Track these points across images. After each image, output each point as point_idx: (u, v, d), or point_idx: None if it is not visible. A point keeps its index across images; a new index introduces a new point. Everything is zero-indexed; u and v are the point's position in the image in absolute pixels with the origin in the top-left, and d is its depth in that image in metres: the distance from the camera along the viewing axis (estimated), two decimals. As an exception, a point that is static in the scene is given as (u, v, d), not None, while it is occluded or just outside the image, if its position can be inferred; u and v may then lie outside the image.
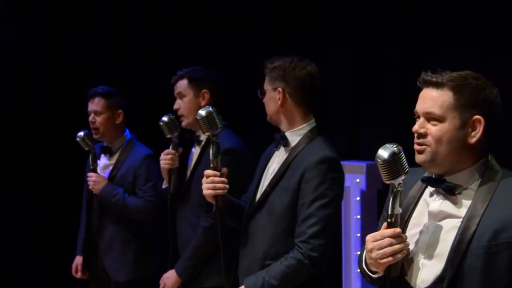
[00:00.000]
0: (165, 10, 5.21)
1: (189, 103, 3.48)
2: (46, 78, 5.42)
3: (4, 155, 5.32)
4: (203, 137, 3.49)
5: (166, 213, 3.53)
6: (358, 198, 4.02)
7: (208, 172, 2.76)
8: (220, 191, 2.73)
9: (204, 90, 3.49)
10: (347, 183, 4.07)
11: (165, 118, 3.43)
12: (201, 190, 3.36)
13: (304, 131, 2.82)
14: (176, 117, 3.49)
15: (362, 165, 3.95)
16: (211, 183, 2.73)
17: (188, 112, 3.48)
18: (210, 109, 2.75)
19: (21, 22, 5.37)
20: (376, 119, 4.07)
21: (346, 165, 4.07)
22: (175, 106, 3.51)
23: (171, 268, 3.52)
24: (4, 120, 5.35)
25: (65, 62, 5.36)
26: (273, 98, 2.83)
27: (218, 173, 2.74)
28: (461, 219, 1.96)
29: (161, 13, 5.24)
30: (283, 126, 2.85)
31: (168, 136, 3.46)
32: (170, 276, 3.48)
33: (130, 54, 5.25)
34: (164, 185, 3.55)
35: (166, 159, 3.45)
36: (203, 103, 3.46)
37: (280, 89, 2.81)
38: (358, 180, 3.99)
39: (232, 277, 2.93)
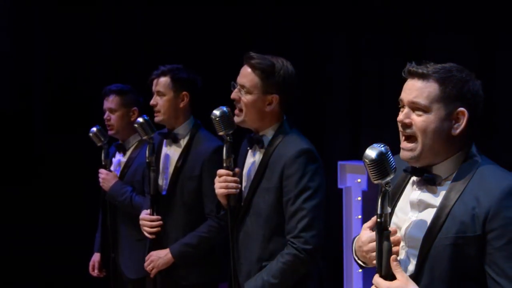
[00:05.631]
0: (164, 11, 5.21)
1: (168, 102, 3.47)
2: (47, 78, 5.43)
3: (4, 154, 5.32)
4: (182, 137, 3.50)
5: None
6: (359, 198, 4.02)
7: (221, 171, 2.78)
8: (233, 190, 2.76)
9: (184, 92, 3.50)
10: (348, 183, 4.07)
11: (140, 120, 3.45)
12: (190, 189, 3.40)
13: (276, 127, 2.81)
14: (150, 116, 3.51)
15: (363, 165, 3.94)
16: (224, 182, 2.75)
17: (165, 110, 3.47)
18: (225, 109, 2.76)
19: (22, 22, 5.37)
20: (377, 119, 4.07)
21: (347, 165, 4.07)
22: (152, 102, 3.49)
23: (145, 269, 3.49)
24: (4, 120, 5.36)
25: (65, 62, 5.36)
26: (260, 103, 2.76)
27: (230, 172, 2.77)
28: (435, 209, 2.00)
29: (160, 13, 5.23)
30: (258, 126, 2.81)
31: (144, 137, 3.47)
32: (162, 256, 3.39)
33: (130, 54, 5.25)
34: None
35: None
36: (181, 104, 3.49)
37: (275, 96, 2.77)
38: (359, 180, 3.99)
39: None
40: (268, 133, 2.81)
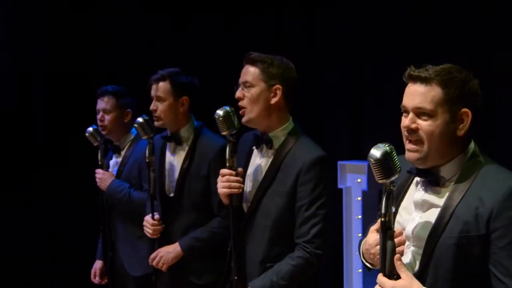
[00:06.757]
0: (163, 10, 5.21)
1: (168, 108, 3.47)
2: (47, 78, 5.42)
3: (4, 154, 5.32)
4: (184, 137, 3.50)
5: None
6: (359, 198, 4.02)
7: (224, 171, 2.78)
8: (235, 190, 2.76)
9: (184, 97, 3.50)
10: (348, 183, 4.07)
11: (140, 120, 3.45)
12: (198, 190, 3.40)
13: (286, 131, 2.82)
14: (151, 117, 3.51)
15: (363, 165, 3.95)
16: (227, 182, 2.76)
17: (165, 116, 3.47)
18: (228, 108, 2.76)
19: (22, 22, 5.36)
20: (378, 118, 4.07)
21: (348, 165, 4.08)
22: (153, 107, 3.48)
23: (155, 267, 3.48)
24: (4, 120, 5.35)
25: (65, 62, 5.36)
26: (264, 95, 2.77)
27: (233, 172, 2.77)
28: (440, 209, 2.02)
29: (159, 13, 5.23)
30: (265, 125, 2.81)
31: (144, 137, 3.48)
32: (171, 251, 3.42)
33: (130, 54, 5.24)
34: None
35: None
36: (182, 109, 3.49)
37: (278, 87, 2.78)
38: (359, 180, 3.99)
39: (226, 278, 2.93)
40: (280, 134, 2.81)
